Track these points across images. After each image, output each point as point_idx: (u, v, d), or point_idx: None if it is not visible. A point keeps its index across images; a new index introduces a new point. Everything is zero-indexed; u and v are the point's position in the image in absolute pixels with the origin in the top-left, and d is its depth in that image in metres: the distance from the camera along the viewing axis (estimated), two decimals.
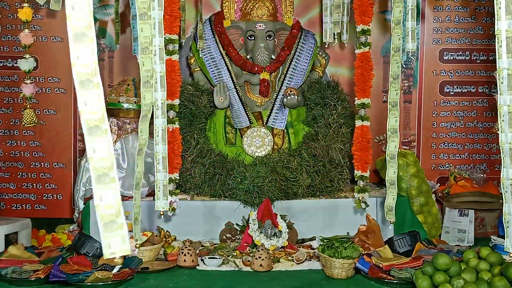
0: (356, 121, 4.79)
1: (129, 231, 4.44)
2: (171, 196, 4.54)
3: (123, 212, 2.30)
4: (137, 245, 4.16)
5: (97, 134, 2.29)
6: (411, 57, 5.88)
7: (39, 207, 5.99)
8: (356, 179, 4.79)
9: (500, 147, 3.39)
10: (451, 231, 5.11)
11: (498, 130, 3.35)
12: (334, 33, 5.65)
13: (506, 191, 3.43)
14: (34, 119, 4.09)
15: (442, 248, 4.37)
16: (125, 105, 5.21)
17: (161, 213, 4.28)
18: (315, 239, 4.72)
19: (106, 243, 2.27)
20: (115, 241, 2.28)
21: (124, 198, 4.92)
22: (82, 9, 2.32)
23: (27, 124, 4.08)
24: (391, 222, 4.47)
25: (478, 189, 5.39)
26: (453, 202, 5.31)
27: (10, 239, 4.71)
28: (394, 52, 4.38)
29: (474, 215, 5.11)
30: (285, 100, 5.21)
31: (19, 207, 5.97)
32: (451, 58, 6.09)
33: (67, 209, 5.93)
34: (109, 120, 5.07)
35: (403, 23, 4.93)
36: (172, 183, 4.53)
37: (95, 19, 5.98)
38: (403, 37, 4.96)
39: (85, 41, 2.33)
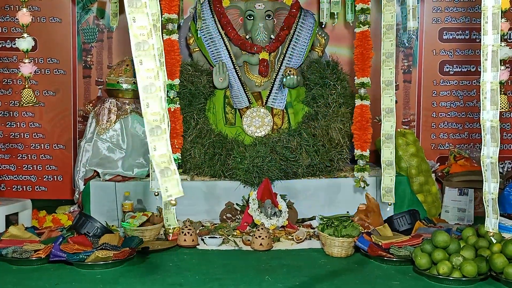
0: (355, 100, 4.79)
1: (130, 211, 4.51)
2: None
3: (173, 160, 2.60)
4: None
5: (151, 91, 2.62)
6: (412, 35, 5.88)
7: (40, 189, 6.00)
8: (356, 158, 4.80)
9: (481, 125, 3.38)
10: (451, 210, 5.13)
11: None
12: (335, 13, 5.63)
13: (486, 170, 3.43)
14: (33, 98, 4.08)
15: (442, 227, 4.39)
16: (124, 86, 5.19)
17: (156, 193, 4.27)
18: (315, 219, 4.75)
19: (163, 187, 2.58)
20: (171, 184, 2.59)
21: (124, 178, 4.94)
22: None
23: (25, 104, 4.07)
24: (390, 203, 4.47)
25: (477, 168, 5.35)
26: (453, 181, 5.32)
27: (11, 220, 4.71)
28: (386, 30, 4.35)
29: (474, 194, 5.13)
30: (284, 80, 5.20)
31: (19, 189, 5.98)
32: (451, 37, 6.06)
33: (67, 190, 5.94)
34: (108, 101, 5.12)
35: (404, 1, 4.92)
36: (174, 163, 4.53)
37: (94, 0, 5.95)
38: (404, 16, 4.94)
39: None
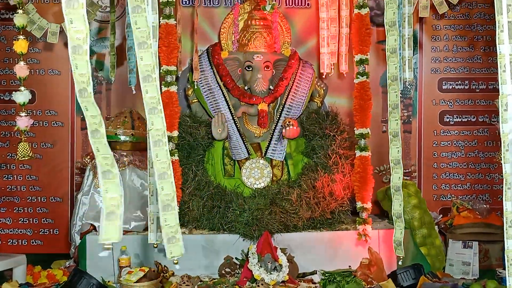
0: (355, 151, 4.75)
1: (127, 266, 4.41)
2: None
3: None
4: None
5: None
6: (408, 86, 5.88)
7: (35, 242, 5.90)
8: (357, 211, 4.73)
9: (504, 179, 3.29)
10: (455, 263, 5.03)
11: (501, 160, 3.26)
12: (331, 63, 5.66)
13: (510, 226, 3.34)
14: (29, 152, 4.04)
15: (447, 282, 4.28)
16: (122, 138, 5.16)
17: (155, 245, 4.18)
18: (316, 273, 4.64)
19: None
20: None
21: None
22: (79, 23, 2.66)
23: (21, 158, 4.03)
24: (401, 257, 4.39)
25: (481, 220, 5.33)
26: (456, 233, 5.24)
27: (5, 276, 4.62)
28: (391, 81, 4.34)
29: (478, 247, 5.03)
30: (283, 131, 5.16)
31: (15, 243, 5.88)
32: (450, 87, 6.07)
33: (63, 244, 5.84)
34: None
35: (400, 52, 4.92)
36: None
37: (93, 52, 5.97)
38: (400, 67, 4.95)
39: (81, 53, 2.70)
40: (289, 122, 5.17)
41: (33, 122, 4.18)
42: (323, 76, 5.63)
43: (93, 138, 2.87)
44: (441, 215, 5.75)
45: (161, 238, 4.09)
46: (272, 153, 5.21)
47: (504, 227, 3.28)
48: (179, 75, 5.44)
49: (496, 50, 3.14)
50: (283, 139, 5.21)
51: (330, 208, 4.93)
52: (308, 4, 6.00)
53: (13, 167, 5.89)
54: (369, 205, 4.72)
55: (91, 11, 5.32)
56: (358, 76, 4.72)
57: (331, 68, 5.65)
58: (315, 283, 4.50)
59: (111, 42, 5.57)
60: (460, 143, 6.04)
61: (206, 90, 5.31)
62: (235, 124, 5.26)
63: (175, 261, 4.07)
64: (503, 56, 3.22)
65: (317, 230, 4.92)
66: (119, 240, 2.85)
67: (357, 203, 4.75)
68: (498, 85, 3.23)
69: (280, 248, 4.64)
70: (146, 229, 4.90)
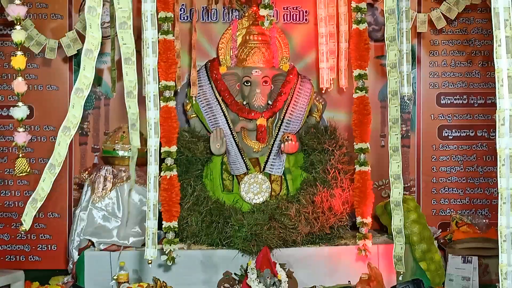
0: (355, 166, 4.74)
1: (125, 282, 4.38)
2: (170, 245, 4.43)
3: None
4: None
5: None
6: (407, 101, 5.88)
7: (33, 258, 5.86)
8: (357, 226, 4.71)
9: (499, 193, 3.27)
10: (455, 278, 5.00)
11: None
12: (330, 78, 5.66)
13: (504, 240, 3.31)
14: (26, 168, 4.01)
15: None
16: (120, 153, 5.13)
17: (149, 261, 4.16)
18: None
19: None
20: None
21: (119, 247, 4.82)
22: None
23: (19, 173, 3.99)
24: (401, 273, 4.36)
25: (481, 235, 5.31)
26: (456, 248, 5.21)
27: None
28: (392, 96, 4.34)
29: (478, 262, 5.01)
30: (282, 145, 5.15)
31: (13, 259, 5.84)
32: (449, 102, 6.07)
33: (61, 260, 5.80)
34: (104, 168, 5.04)
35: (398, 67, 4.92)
36: (171, 232, 4.43)
37: None
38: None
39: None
40: (287, 137, 5.17)
41: (31, 138, 4.15)
42: (323, 91, 5.64)
43: (62, 133, 3.07)
44: (440, 230, 5.73)
45: (155, 254, 4.09)
46: (270, 168, 5.20)
47: (499, 241, 3.26)
48: (178, 90, 5.45)
49: (493, 64, 3.14)
50: (281, 154, 5.20)
51: (329, 223, 4.91)
52: (306, 20, 6.03)
53: (11, 183, 5.86)
54: (369, 220, 4.70)
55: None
56: (357, 90, 4.71)
57: (331, 83, 5.65)
58: None
59: (111, 57, 5.57)
60: (459, 158, 6.03)
61: (205, 105, 5.30)
62: (234, 139, 5.25)
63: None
64: (500, 70, 3.22)
65: (316, 245, 4.91)
66: (27, 229, 3.28)
67: (357, 218, 4.73)
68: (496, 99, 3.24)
69: (279, 264, 4.61)
70: (144, 244, 4.86)
